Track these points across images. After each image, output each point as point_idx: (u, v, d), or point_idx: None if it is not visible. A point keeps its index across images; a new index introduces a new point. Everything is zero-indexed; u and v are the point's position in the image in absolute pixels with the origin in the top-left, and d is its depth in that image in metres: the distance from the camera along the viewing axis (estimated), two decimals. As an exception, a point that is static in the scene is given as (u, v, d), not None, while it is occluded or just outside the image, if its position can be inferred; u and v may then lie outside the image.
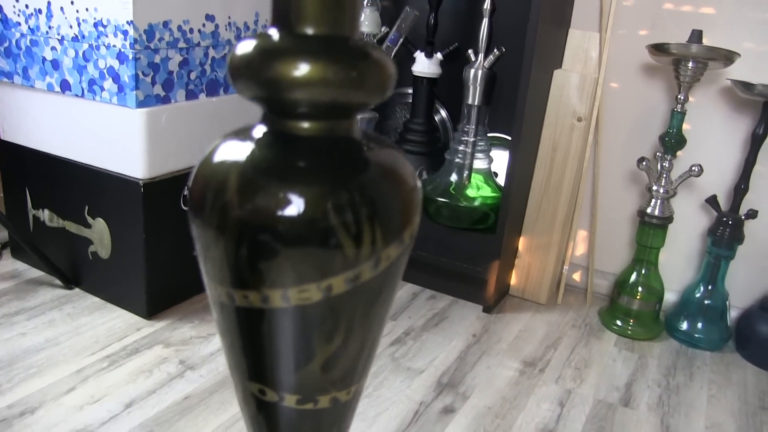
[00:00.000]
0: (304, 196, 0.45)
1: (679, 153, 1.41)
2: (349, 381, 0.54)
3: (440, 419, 1.14)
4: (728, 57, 1.29)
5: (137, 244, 1.29)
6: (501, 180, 1.53)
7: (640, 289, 1.47)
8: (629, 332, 1.46)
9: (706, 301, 1.44)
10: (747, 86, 1.30)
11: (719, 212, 1.41)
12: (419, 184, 0.53)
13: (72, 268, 1.43)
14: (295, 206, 0.45)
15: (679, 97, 1.36)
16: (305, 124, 0.48)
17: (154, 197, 1.28)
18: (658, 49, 1.33)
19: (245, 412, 0.58)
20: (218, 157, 0.49)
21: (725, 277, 1.44)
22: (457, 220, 1.52)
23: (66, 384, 1.12)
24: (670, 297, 1.55)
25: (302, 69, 0.44)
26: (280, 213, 0.45)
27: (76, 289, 1.43)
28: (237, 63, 0.47)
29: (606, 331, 1.49)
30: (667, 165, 1.40)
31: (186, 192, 1.34)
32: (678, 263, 1.57)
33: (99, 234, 1.34)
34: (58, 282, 1.43)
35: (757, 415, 1.24)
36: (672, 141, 1.38)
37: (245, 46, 0.47)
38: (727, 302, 1.45)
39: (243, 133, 0.50)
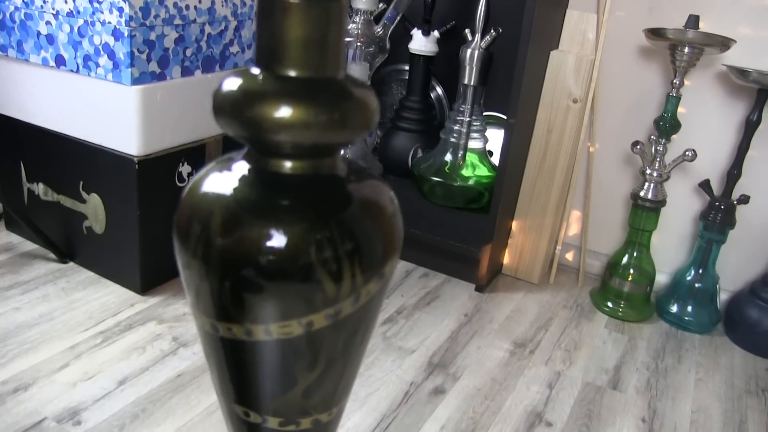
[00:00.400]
0: (286, 235, 0.46)
1: (673, 137, 1.41)
2: (329, 404, 0.55)
3: (430, 400, 1.15)
4: (724, 43, 1.28)
5: (131, 221, 1.29)
6: (496, 159, 1.54)
7: (631, 271, 1.48)
8: (620, 314, 1.48)
9: (696, 285, 1.45)
10: (742, 73, 1.29)
11: (712, 197, 1.41)
12: (398, 209, 0.53)
13: (66, 242, 1.43)
14: (278, 244, 0.46)
15: (674, 81, 1.36)
16: (288, 163, 0.48)
17: (149, 174, 1.28)
18: (655, 33, 1.32)
19: (230, 429, 0.59)
20: (205, 188, 0.49)
21: (716, 260, 1.45)
22: (450, 200, 1.53)
23: (60, 360, 1.13)
24: (662, 278, 1.56)
25: (285, 112, 0.44)
26: (262, 251, 0.45)
27: (71, 263, 1.43)
28: (220, 101, 0.47)
29: (597, 312, 1.51)
30: (661, 149, 1.40)
31: (180, 167, 1.34)
32: (670, 245, 1.58)
33: (93, 209, 1.34)
34: (52, 255, 1.44)
35: (743, 398, 1.26)
36: (666, 125, 1.38)
37: (229, 85, 0.47)
38: (718, 286, 1.46)
39: (228, 166, 0.50)
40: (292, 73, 0.46)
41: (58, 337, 1.19)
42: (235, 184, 0.48)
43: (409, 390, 1.17)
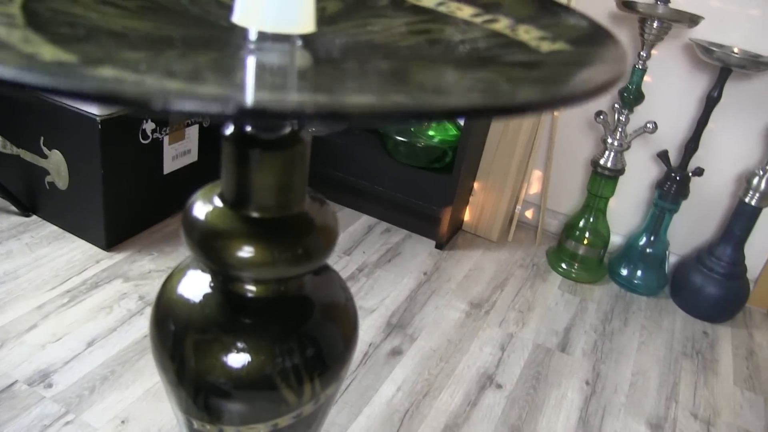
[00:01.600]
0: (249, 352, 0.48)
1: (636, 107, 1.44)
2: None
3: (387, 361, 1.20)
4: (693, 20, 1.29)
5: (95, 178, 1.29)
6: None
7: (587, 234, 1.53)
8: (573, 275, 1.54)
9: (648, 250, 1.51)
10: (707, 50, 1.31)
11: (669, 167, 1.46)
12: (350, 294, 0.56)
13: (28, 196, 1.42)
14: (243, 360, 0.48)
15: (641, 53, 1.37)
16: (252, 288, 0.50)
17: (113, 132, 1.26)
18: (626, 5, 1.33)
19: None
20: (180, 290, 0.51)
21: (668, 228, 1.50)
22: (414, 159, 1.55)
23: (27, 321, 1.15)
24: (616, 240, 1.62)
25: (248, 252, 0.46)
26: (229, 365, 0.48)
27: (34, 217, 1.43)
28: (188, 229, 0.48)
29: (552, 272, 1.56)
30: (623, 119, 1.42)
31: (144, 125, 1.33)
32: (626, 209, 1.63)
33: (56, 165, 1.33)
34: (14, 209, 1.43)
35: (679, 361, 1.34)
36: (630, 96, 1.40)
37: (198, 212, 0.48)
38: (667, 252, 1.52)
39: (204, 268, 0.52)
40: (256, 215, 0.47)
41: (25, 297, 1.20)
42: (205, 300, 0.50)
43: (368, 351, 1.22)
